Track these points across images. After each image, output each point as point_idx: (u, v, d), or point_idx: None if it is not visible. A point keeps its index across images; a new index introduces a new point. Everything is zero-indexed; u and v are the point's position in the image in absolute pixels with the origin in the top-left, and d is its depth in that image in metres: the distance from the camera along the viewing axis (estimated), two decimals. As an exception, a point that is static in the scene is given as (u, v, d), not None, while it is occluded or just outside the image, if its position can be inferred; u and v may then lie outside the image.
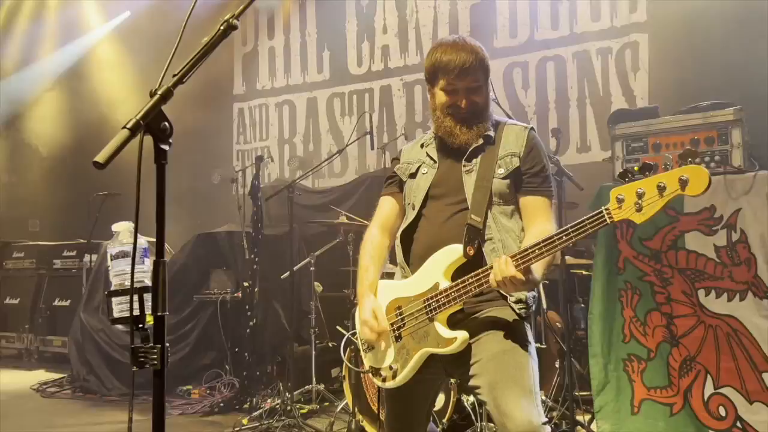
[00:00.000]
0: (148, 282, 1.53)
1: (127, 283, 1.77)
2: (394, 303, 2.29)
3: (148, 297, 1.54)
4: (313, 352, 4.18)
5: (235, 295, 4.04)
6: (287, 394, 4.15)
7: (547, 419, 2.17)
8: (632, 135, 3.62)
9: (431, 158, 2.41)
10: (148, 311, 1.54)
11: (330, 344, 4.42)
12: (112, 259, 1.88)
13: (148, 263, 1.84)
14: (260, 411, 4.26)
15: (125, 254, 1.85)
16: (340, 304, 4.39)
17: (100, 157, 1.37)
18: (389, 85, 7.86)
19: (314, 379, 4.32)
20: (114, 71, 8.73)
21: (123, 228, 1.91)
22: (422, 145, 2.48)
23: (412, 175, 2.43)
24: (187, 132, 8.67)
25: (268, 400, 4.36)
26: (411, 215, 2.39)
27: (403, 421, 2.42)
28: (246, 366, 4.04)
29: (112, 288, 1.83)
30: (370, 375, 2.36)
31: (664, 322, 3.18)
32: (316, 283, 4.28)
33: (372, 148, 4.98)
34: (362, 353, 2.39)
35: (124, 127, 1.44)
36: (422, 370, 2.23)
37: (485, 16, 7.10)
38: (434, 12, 7.52)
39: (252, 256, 3.71)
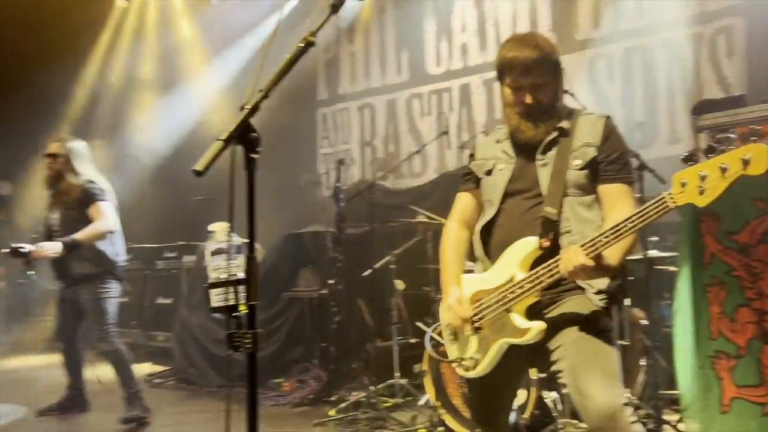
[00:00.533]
0: (242, 275, 1.70)
1: (223, 276, 1.96)
2: (474, 295, 2.37)
3: (241, 288, 1.71)
4: (395, 348, 4.31)
5: (322, 292, 4.23)
6: (371, 387, 4.31)
7: (626, 401, 2.18)
8: (718, 126, 3.50)
9: (507, 154, 2.46)
10: (242, 301, 1.71)
11: (412, 340, 4.54)
12: (210, 256, 2.08)
13: (241, 258, 2.02)
14: (347, 403, 4.45)
15: (221, 251, 2.04)
16: (421, 301, 4.50)
17: (199, 166, 1.56)
18: (468, 84, 7.89)
19: (397, 373, 4.45)
20: (205, 82, 9.26)
21: (219, 228, 2.10)
22: (497, 141, 2.52)
23: (488, 172, 2.48)
24: (276, 137, 9.13)
25: (354, 393, 4.54)
26: (490, 212, 2.44)
27: (487, 409, 2.50)
28: (333, 360, 4.24)
29: (210, 281, 2.03)
30: (454, 365, 2.45)
31: (755, 319, 3.06)
32: (398, 281, 4.41)
33: (450, 147, 5.04)
34: (446, 344, 2.49)
35: (219, 139, 1.61)
36: (504, 360, 2.30)
37: (566, 8, 6.98)
38: (513, 7, 7.48)
39: (336, 254, 3.89)
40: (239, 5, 9.26)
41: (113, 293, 4.27)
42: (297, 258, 4.41)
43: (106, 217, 4.13)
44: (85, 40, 9.47)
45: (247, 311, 1.70)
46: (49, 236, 4.23)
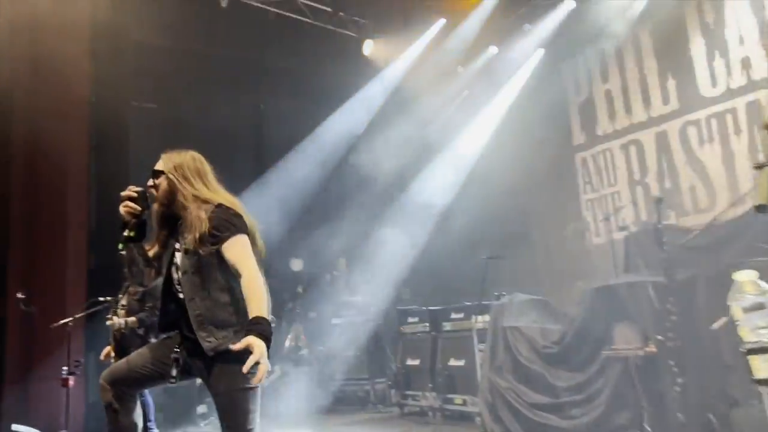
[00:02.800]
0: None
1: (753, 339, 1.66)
2: None
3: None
4: None
5: (647, 349, 3.80)
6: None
7: None
8: None
9: None
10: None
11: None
12: (743, 313, 1.78)
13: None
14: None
15: (761, 306, 1.73)
16: None
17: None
18: (757, 100, 6.90)
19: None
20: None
21: (746, 278, 1.80)
22: None
23: None
24: (537, 186, 8.99)
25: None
26: None
27: None
28: (677, 426, 3.72)
29: (749, 346, 1.71)
30: None
31: None
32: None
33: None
34: None
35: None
36: None
37: None
38: (802, 7, 6.45)
39: (668, 306, 3.46)
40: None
41: None
42: (611, 312, 4.05)
43: None
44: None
45: None
46: None
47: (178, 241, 2.47)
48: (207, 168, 2.62)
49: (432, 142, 9.81)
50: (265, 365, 2.16)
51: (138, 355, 2.58)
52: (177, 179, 2.51)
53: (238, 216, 2.43)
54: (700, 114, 7.46)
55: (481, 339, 5.80)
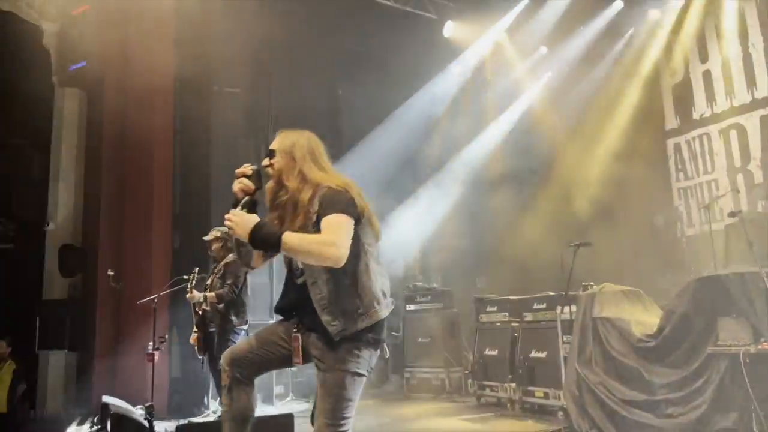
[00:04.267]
0: None
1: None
2: None
3: None
4: None
5: (760, 346, 3.46)
6: None
7: None
8: None
9: None
10: None
11: None
12: None
13: None
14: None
15: None
16: None
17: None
18: None
19: None
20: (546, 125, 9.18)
21: None
22: None
23: None
24: (623, 174, 8.50)
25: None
26: None
27: None
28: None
29: None
30: None
31: None
32: None
33: None
34: None
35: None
36: None
37: None
38: None
39: (789, 300, 3.11)
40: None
41: None
42: (716, 305, 3.72)
43: None
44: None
45: None
46: None
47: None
48: (321, 149, 2.58)
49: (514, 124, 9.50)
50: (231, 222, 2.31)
51: (257, 338, 2.59)
52: (290, 159, 2.49)
53: (347, 197, 2.37)
54: (813, 95, 6.84)
55: (566, 331, 5.53)
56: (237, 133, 8.70)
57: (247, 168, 2.50)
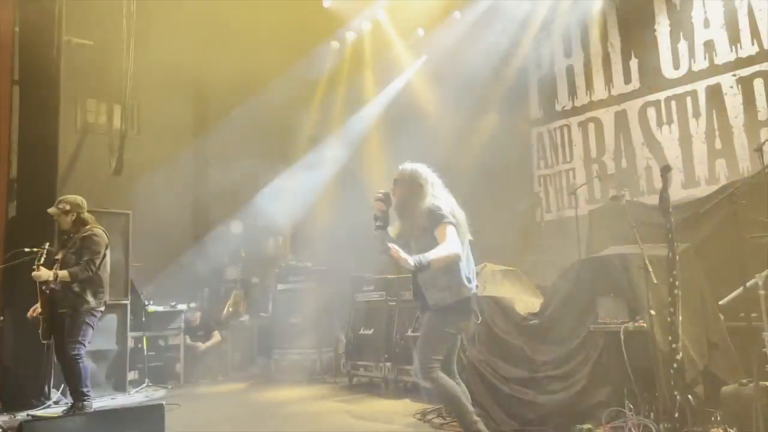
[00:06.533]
0: None
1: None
2: None
3: None
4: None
5: (638, 324, 3.66)
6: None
7: None
8: None
9: None
10: None
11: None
12: None
13: None
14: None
15: None
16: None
17: None
18: (718, 84, 6.97)
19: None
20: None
21: None
22: None
23: None
24: (489, 161, 8.78)
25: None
26: None
27: None
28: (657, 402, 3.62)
29: None
30: None
31: None
32: None
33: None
34: None
35: None
36: None
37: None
38: (772, -7, 6.50)
39: (671, 280, 3.31)
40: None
41: None
42: (596, 285, 3.89)
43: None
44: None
45: None
46: None
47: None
48: (433, 179, 3.66)
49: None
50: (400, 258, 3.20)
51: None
52: (408, 188, 3.60)
53: (443, 214, 3.45)
54: (660, 95, 7.49)
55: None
56: (89, 91, 7.74)
57: (380, 192, 3.66)
